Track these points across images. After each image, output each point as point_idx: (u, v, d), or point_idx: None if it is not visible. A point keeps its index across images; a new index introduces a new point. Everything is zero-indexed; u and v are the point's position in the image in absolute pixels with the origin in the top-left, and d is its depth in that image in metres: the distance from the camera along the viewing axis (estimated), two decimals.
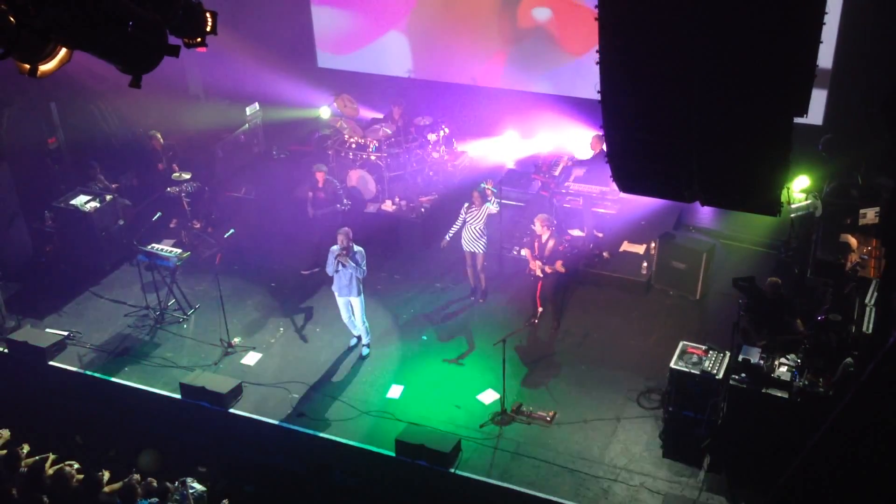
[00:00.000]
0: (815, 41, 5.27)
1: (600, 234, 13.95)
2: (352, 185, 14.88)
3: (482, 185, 12.87)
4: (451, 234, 12.77)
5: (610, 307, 12.96)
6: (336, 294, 11.77)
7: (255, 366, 12.08)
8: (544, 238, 11.88)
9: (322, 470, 10.80)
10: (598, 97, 6.18)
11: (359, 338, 12.19)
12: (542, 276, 11.93)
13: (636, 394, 11.22)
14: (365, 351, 12.10)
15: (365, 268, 11.52)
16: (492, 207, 12.51)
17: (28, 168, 14.66)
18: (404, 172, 15.22)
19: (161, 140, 15.39)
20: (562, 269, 11.84)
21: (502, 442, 10.61)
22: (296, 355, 12.26)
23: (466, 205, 12.62)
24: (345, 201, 13.83)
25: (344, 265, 11.38)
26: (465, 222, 12.58)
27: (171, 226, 14.75)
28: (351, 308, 11.81)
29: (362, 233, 12.93)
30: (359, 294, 11.64)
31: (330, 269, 11.59)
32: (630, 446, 10.50)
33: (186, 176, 14.71)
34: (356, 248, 11.49)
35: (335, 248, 11.48)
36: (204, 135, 16.33)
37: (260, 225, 15.10)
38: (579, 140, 15.04)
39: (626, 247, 13.91)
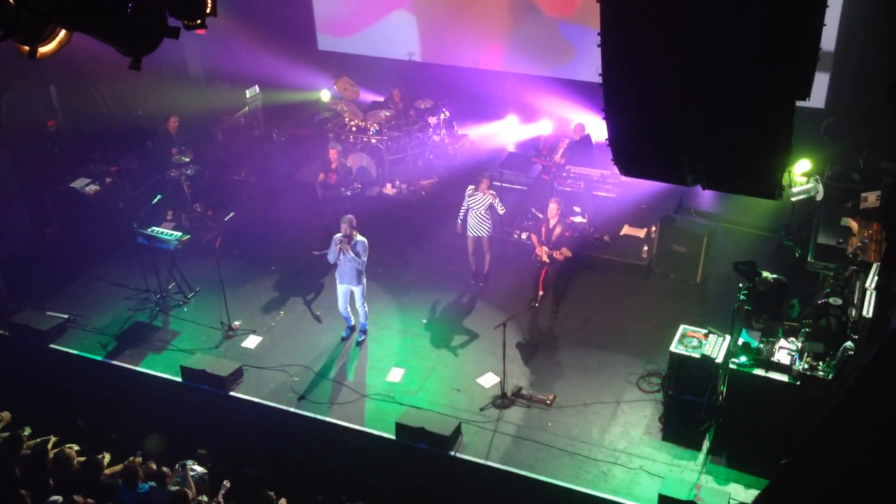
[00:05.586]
0: (819, 24, 5.24)
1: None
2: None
3: (487, 173, 12.73)
4: (461, 219, 12.71)
5: (610, 291, 12.96)
6: (337, 281, 11.72)
7: (255, 349, 12.10)
8: (552, 223, 11.85)
9: (322, 453, 10.84)
10: (599, 80, 6.15)
11: (351, 328, 12.15)
12: (548, 261, 11.91)
13: (636, 377, 11.24)
14: (359, 336, 12.10)
15: (365, 259, 11.38)
16: (499, 209, 12.46)
17: (28, 151, 14.58)
18: (405, 156, 15.17)
19: (177, 124, 15.07)
20: (569, 254, 11.82)
21: (502, 425, 10.64)
22: (296, 338, 12.27)
23: (471, 188, 12.53)
24: (355, 185, 13.76)
25: (344, 253, 11.33)
26: (469, 207, 12.55)
27: (170, 214, 14.70)
28: (350, 296, 11.75)
29: (363, 217, 12.90)
30: (359, 284, 11.57)
31: (332, 257, 11.48)
32: (630, 429, 10.53)
33: (187, 159, 14.67)
34: (359, 237, 11.36)
35: (338, 235, 11.39)
36: (204, 118, 16.27)
37: (260, 208, 15.07)
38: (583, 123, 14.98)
39: (626, 230, 13.90)
